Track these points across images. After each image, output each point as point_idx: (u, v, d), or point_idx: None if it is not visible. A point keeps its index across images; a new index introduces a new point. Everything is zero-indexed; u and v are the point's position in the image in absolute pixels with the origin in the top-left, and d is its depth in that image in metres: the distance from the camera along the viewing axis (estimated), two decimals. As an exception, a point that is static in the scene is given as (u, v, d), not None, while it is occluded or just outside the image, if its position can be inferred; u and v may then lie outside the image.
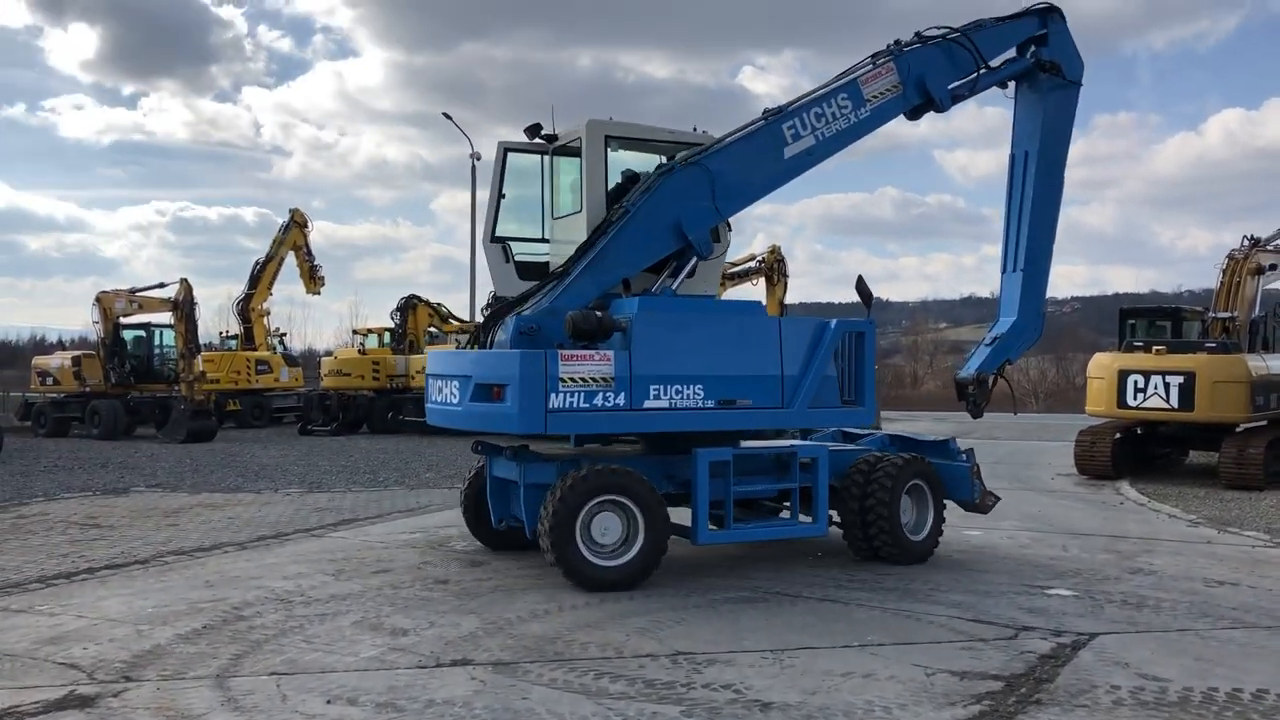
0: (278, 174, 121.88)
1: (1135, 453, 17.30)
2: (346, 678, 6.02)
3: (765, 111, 9.77)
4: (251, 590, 8.32)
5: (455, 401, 9.36)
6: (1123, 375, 16.13)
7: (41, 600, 7.97)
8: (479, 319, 34.88)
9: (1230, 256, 17.88)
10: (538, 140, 9.93)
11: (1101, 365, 16.76)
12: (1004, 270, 11.38)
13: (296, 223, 34.13)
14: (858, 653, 6.62)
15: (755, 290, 27.50)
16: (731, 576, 8.99)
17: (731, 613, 7.68)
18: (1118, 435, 16.80)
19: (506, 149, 10.05)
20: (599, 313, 8.68)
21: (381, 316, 37.23)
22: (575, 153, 9.57)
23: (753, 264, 26.87)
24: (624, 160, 9.97)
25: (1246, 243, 18.13)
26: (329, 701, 5.58)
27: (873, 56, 10.34)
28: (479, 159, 35.92)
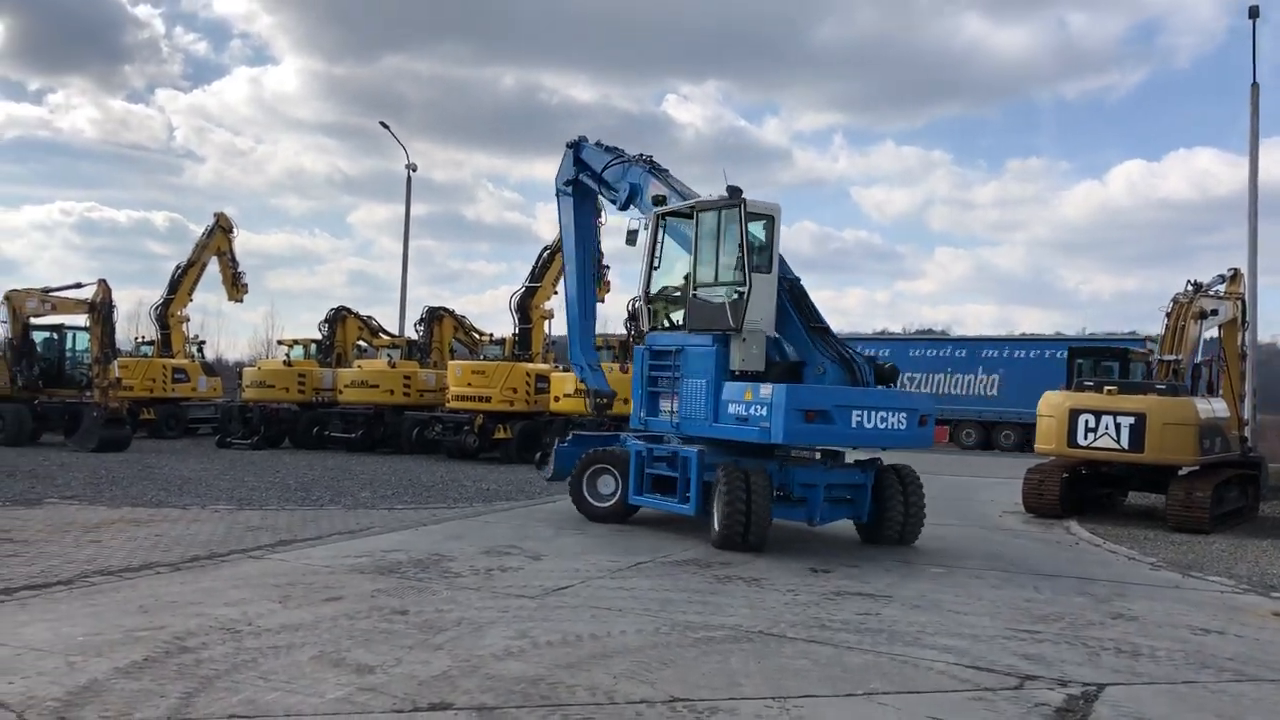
0: (190, 179, 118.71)
1: (1078, 493, 17.30)
2: (315, 722, 5.41)
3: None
4: (193, 618, 7.61)
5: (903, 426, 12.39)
6: (1074, 414, 16.12)
7: (-46, 625, 7.17)
8: (411, 334, 33.69)
9: (1175, 300, 18.05)
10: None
11: (1052, 404, 16.74)
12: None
13: (221, 227, 32.87)
14: (864, 702, 6.21)
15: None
16: (706, 611, 8.54)
17: (719, 653, 7.22)
18: (1065, 474, 16.79)
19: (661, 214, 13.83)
20: None
21: (297, 328, 36.17)
22: (759, 218, 12.74)
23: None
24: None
25: (1190, 287, 18.37)
26: (302, 752, 4.97)
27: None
28: (415, 169, 35.27)
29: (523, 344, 26.34)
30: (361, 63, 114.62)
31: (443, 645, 7.12)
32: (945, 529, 15.08)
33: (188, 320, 33.15)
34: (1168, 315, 18.00)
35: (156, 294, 33.06)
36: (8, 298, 25.88)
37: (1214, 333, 19.34)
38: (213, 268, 32.92)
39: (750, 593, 9.50)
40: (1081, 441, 16.07)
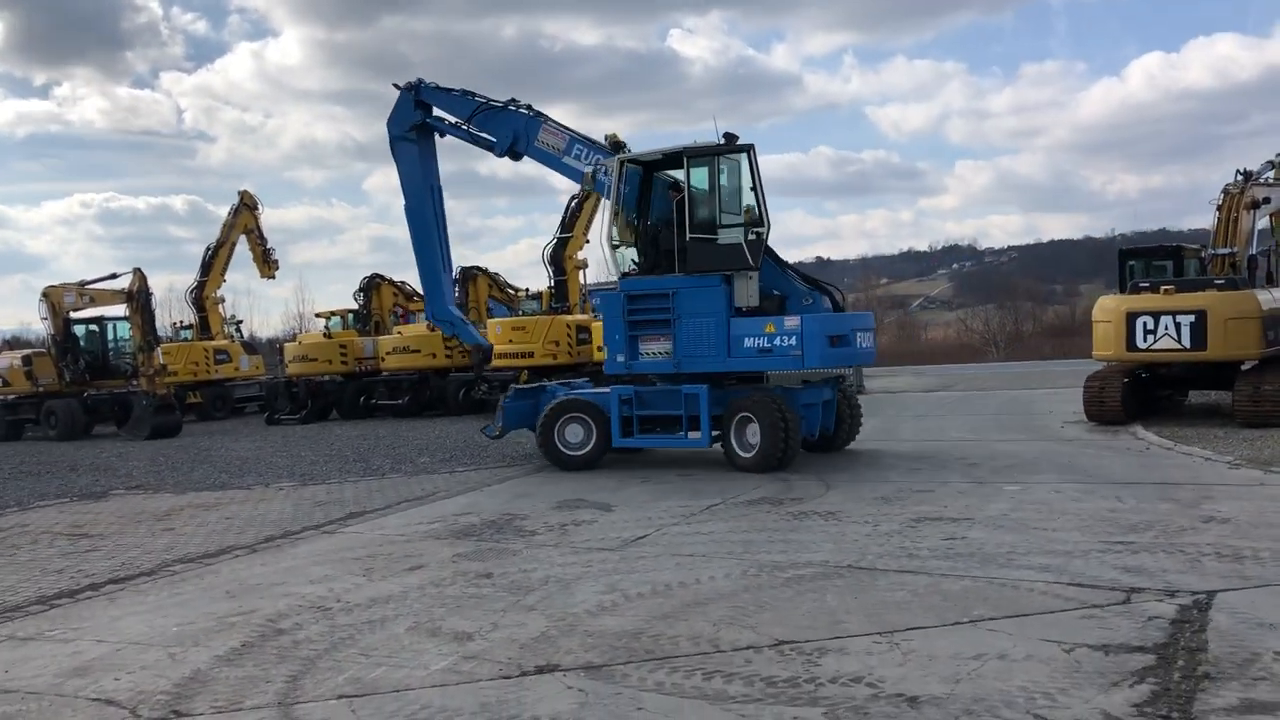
0: (204, 160, 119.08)
1: (1139, 396, 17.00)
2: (426, 695, 5.35)
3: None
4: (281, 599, 7.59)
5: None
6: (1131, 317, 15.77)
7: (49, 624, 7.19)
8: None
9: (1225, 192, 17.59)
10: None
11: (1107, 309, 16.39)
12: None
13: (246, 205, 32.79)
14: (973, 630, 6.08)
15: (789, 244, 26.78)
16: (790, 549, 8.43)
17: (814, 592, 7.11)
18: (1125, 379, 16.49)
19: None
20: None
21: (327, 299, 36.13)
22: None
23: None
24: None
25: (1239, 177, 17.87)
26: (420, 727, 4.91)
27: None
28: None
29: (559, 296, 26.18)
30: (361, 26, 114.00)
31: (535, 606, 7.06)
32: (1011, 444, 14.91)
33: (223, 301, 33.29)
34: (1219, 208, 17.56)
35: (183, 278, 33.22)
36: (46, 295, 26.00)
37: (1265, 222, 18.86)
38: (241, 246, 32.93)
39: (830, 527, 9.38)
40: (1141, 344, 15.74)
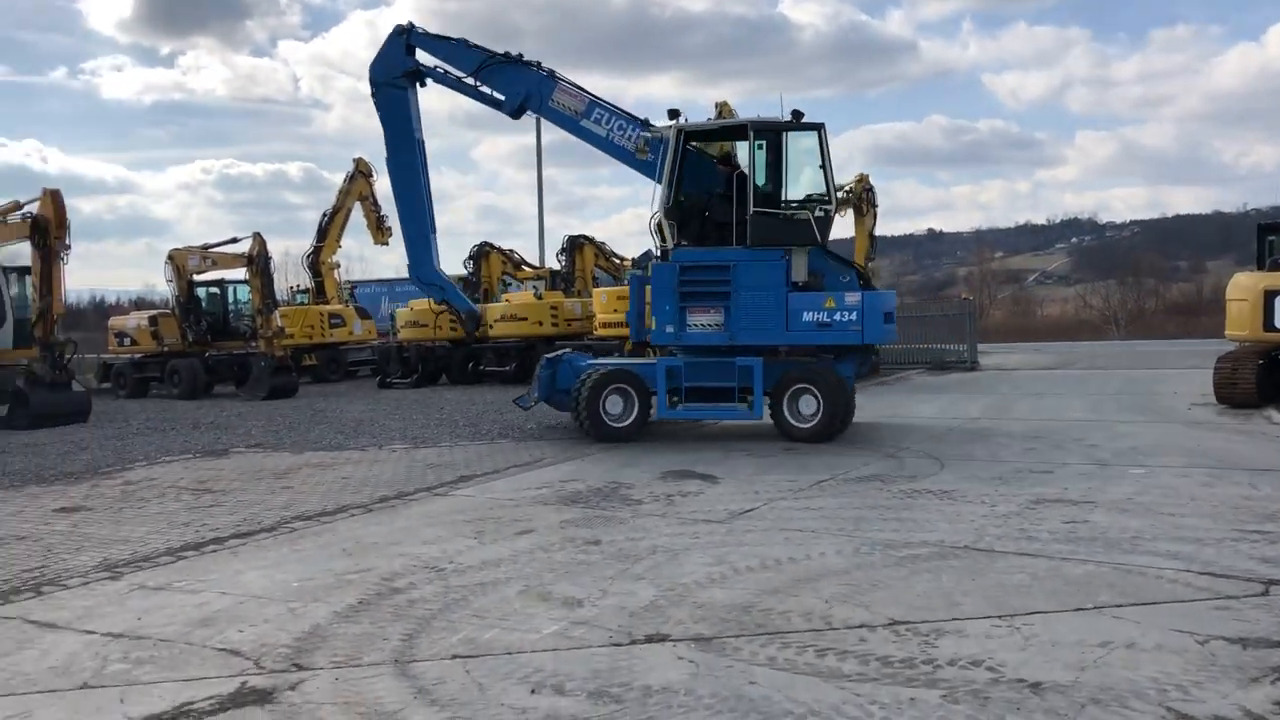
0: (319, 128, 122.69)
1: (1276, 379, 16.19)
2: (538, 659, 5.38)
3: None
4: (396, 558, 7.74)
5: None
6: (1270, 295, 15.02)
7: (177, 576, 7.44)
8: (552, 264, 34.12)
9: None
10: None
11: (1243, 287, 15.64)
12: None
13: (361, 173, 33.43)
14: (1098, 616, 5.86)
15: (843, 222, 26.49)
16: (904, 528, 8.26)
17: (929, 571, 6.94)
18: (1260, 361, 15.72)
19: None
20: None
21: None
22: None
23: (839, 195, 25.77)
24: None
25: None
26: (533, 691, 4.93)
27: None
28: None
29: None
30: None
31: (644, 575, 7.05)
32: (1134, 425, 14.40)
33: (338, 266, 34.09)
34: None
35: (297, 243, 34.10)
36: (171, 257, 26.96)
37: None
38: (356, 213, 33.63)
39: (944, 506, 9.17)
40: (1279, 324, 14.98)
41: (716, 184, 14.15)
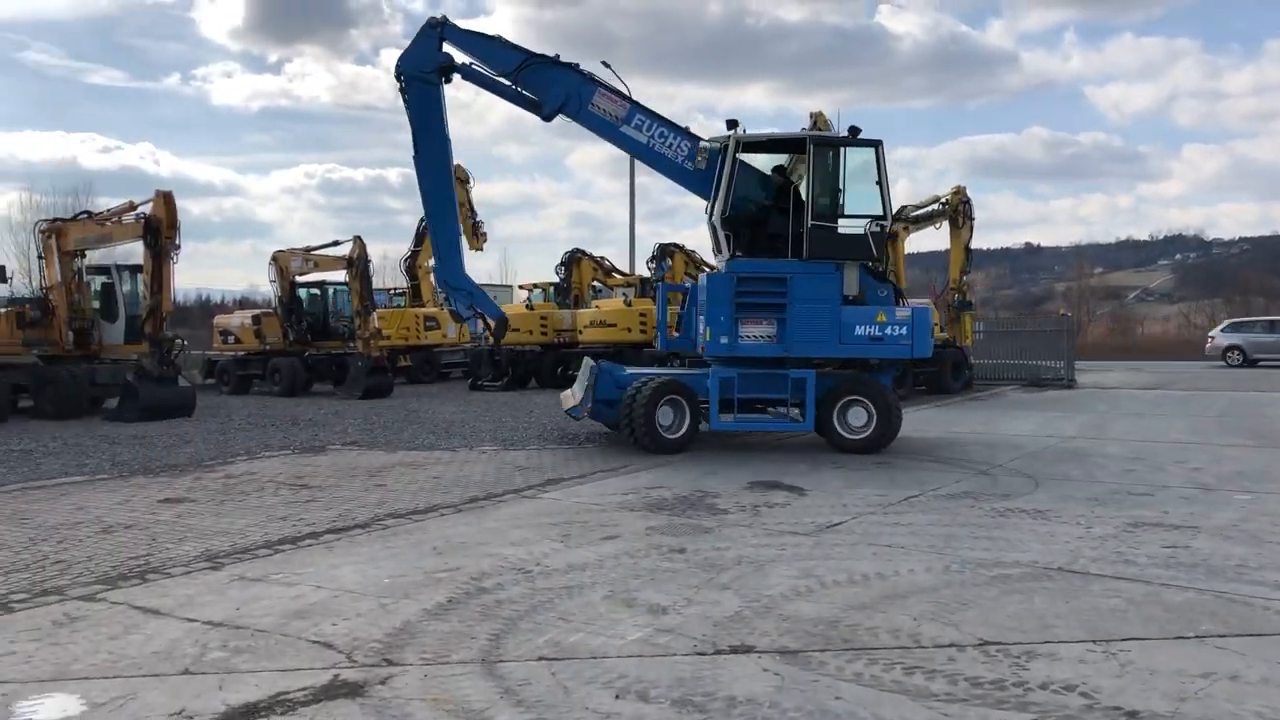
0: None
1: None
2: (623, 665, 5.41)
3: None
4: (484, 558, 7.85)
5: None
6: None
7: (274, 568, 7.67)
8: (642, 271, 34.15)
9: None
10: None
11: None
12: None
13: (459, 180, 33.92)
14: (1199, 646, 5.67)
15: (939, 234, 26.08)
16: (995, 547, 8.10)
17: (1020, 592, 6.80)
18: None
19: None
20: None
21: (527, 272, 37.11)
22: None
23: (935, 206, 25.41)
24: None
25: None
26: (617, 696, 4.97)
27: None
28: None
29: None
30: (570, 3, 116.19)
31: (729, 585, 7.04)
32: (1240, 449, 13.91)
33: (434, 270, 34.64)
34: None
35: (395, 247, 34.78)
36: (275, 258, 27.76)
37: None
38: (453, 218, 34.21)
39: (1037, 526, 8.97)
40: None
41: (768, 195, 14.26)
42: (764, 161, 14.80)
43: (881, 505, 10.01)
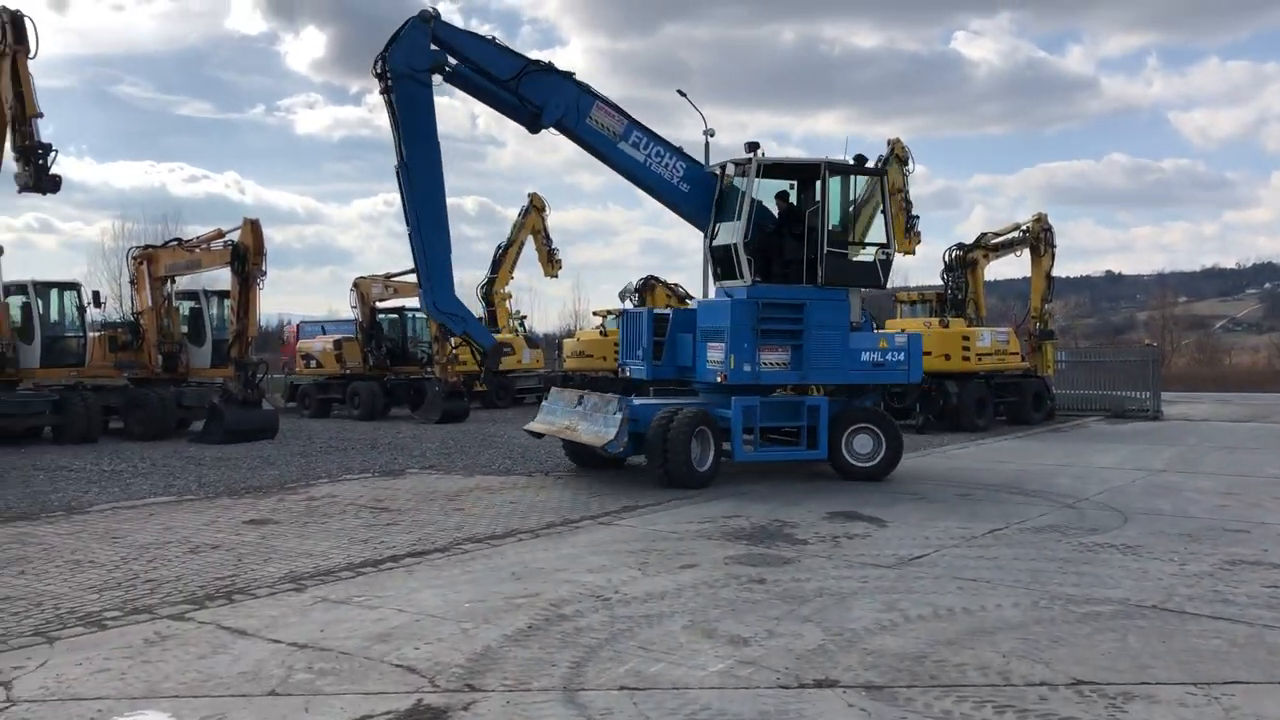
0: (493, 164, 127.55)
1: None
2: (705, 696, 5.35)
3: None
4: (563, 584, 7.85)
5: None
6: None
7: (357, 590, 7.75)
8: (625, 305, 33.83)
9: None
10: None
11: None
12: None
13: (535, 207, 34.51)
14: (1307, 691, 5.43)
15: (1019, 262, 25.63)
16: (1084, 583, 7.88)
17: (1114, 631, 6.59)
18: None
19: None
20: None
21: (600, 298, 37.30)
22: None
23: (1016, 234, 24.98)
24: None
25: None
26: (700, 728, 4.91)
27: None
28: (713, 134, 35.35)
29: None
30: (643, 34, 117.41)
31: (810, 617, 6.93)
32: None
33: (510, 297, 35.06)
34: None
35: (471, 274, 35.20)
36: (356, 284, 28.28)
37: None
38: (528, 246, 34.63)
39: (1129, 562, 8.71)
40: None
41: (779, 221, 14.11)
42: (769, 187, 14.32)
43: (965, 538, 9.80)
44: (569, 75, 13.74)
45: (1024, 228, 25.01)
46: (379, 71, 12.79)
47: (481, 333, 14.11)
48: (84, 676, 5.73)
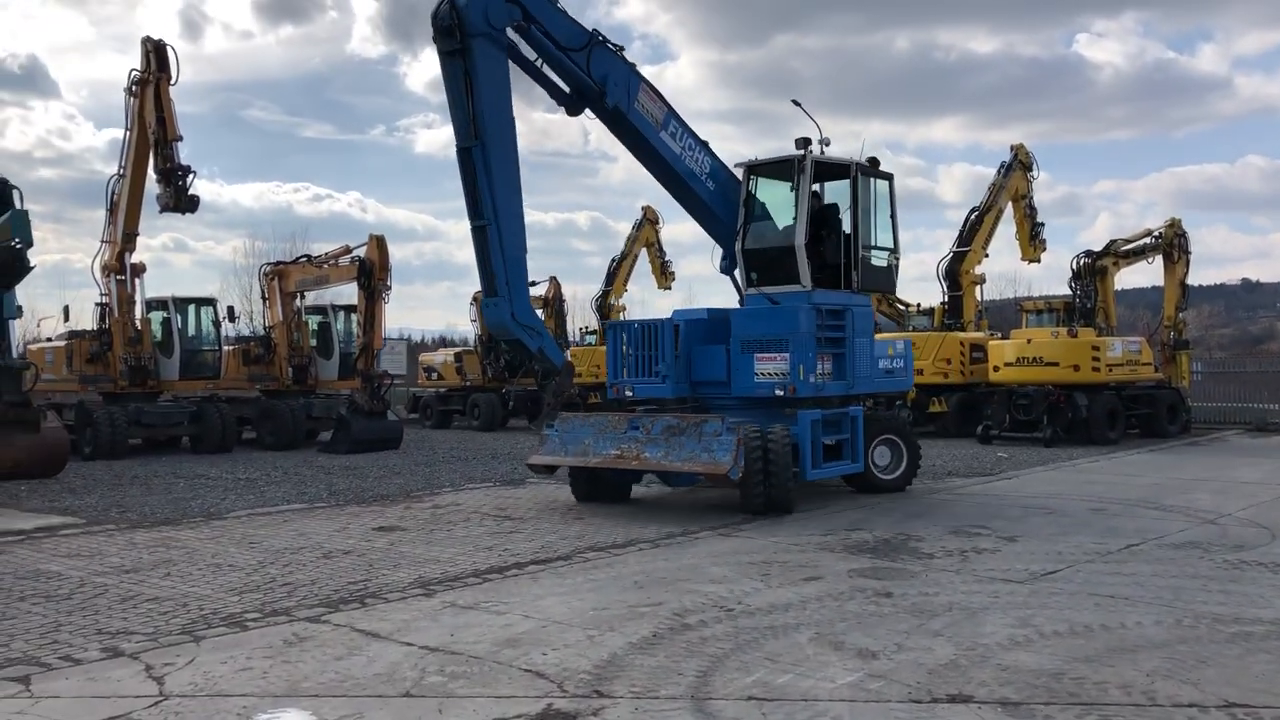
0: (605, 179, 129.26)
1: None
2: (835, 709, 5.27)
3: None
4: (685, 594, 7.84)
5: None
6: None
7: (484, 596, 7.88)
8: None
9: None
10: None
11: None
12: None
13: (649, 220, 34.74)
14: None
15: (1151, 269, 24.69)
16: (1231, 601, 7.51)
17: (1267, 652, 6.26)
18: None
19: None
20: None
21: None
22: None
23: (1148, 240, 24.07)
24: None
25: None
26: (832, 740, 4.84)
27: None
28: (828, 144, 34.98)
29: (953, 312, 25.33)
30: (753, 46, 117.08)
31: (940, 631, 6.77)
32: None
33: (624, 309, 35.29)
34: None
35: (584, 288, 35.57)
36: (475, 299, 28.86)
37: None
38: (641, 258, 34.86)
39: (1278, 580, 8.27)
40: None
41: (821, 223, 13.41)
42: (787, 187, 13.39)
43: (1100, 554, 9.46)
44: (619, 50, 12.45)
45: (1156, 234, 24.09)
46: (444, 25, 10.90)
47: (555, 350, 12.66)
48: (229, 674, 5.95)
